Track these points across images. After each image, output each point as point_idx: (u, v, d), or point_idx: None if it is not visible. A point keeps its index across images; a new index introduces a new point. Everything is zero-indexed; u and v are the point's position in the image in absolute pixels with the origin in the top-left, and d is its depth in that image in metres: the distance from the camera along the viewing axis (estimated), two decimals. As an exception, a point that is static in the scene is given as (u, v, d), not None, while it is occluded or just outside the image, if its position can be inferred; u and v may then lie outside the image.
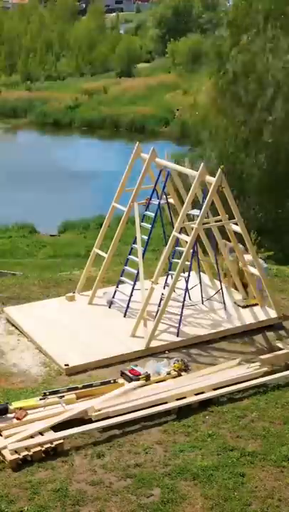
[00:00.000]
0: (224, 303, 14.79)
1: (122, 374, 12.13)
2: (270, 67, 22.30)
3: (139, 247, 14.61)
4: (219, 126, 22.87)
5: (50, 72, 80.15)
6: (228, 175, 21.57)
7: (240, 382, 12.01)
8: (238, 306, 14.85)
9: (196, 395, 11.57)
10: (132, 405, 11.14)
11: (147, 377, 11.95)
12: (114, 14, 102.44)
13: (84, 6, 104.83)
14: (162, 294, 14.02)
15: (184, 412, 11.26)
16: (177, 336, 13.60)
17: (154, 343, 13.32)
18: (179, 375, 12.24)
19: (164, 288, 14.14)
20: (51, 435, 10.37)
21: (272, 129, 22.23)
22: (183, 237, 14.18)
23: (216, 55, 22.95)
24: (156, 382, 11.94)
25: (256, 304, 14.86)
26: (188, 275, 14.60)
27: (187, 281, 14.36)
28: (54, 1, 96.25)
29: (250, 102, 22.53)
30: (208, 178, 13.93)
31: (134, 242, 14.88)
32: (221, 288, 14.94)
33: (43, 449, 10.07)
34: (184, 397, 11.47)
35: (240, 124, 22.79)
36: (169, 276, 14.27)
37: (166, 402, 11.33)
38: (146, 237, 14.72)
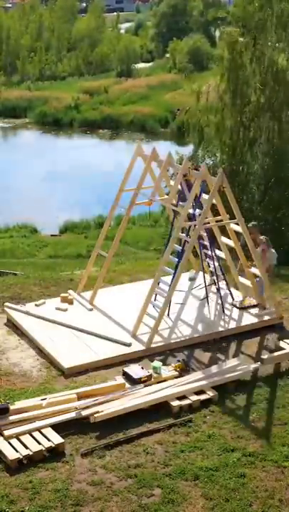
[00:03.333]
0: (222, 303, 14.78)
1: (124, 374, 12.12)
2: (281, 67, 22.24)
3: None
4: (227, 126, 22.79)
5: (50, 72, 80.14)
6: (232, 174, 21.65)
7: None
8: (235, 307, 14.84)
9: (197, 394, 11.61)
10: (133, 405, 11.15)
11: (149, 378, 11.96)
12: (114, 14, 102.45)
13: (84, 5, 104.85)
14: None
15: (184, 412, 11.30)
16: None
17: (154, 343, 13.32)
18: (180, 375, 12.24)
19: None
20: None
21: (279, 129, 22.21)
22: (184, 236, 14.17)
23: (230, 53, 22.77)
24: (158, 383, 11.94)
25: (254, 306, 14.84)
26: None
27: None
28: (54, 0, 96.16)
29: (259, 102, 22.47)
30: (210, 177, 13.93)
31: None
32: (219, 288, 14.91)
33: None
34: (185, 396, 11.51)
35: (249, 123, 22.73)
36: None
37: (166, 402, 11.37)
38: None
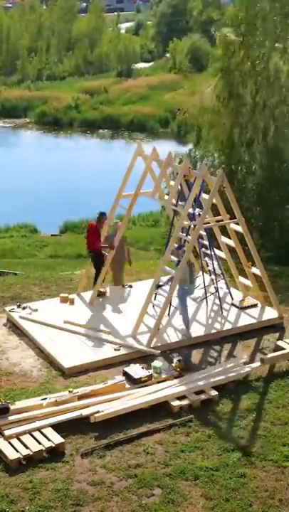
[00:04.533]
0: (220, 303, 14.78)
1: (124, 374, 12.12)
2: (277, 68, 22.25)
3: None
4: (224, 126, 22.83)
5: (50, 72, 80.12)
6: (231, 173, 21.66)
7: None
8: (236, 307, 14.84)
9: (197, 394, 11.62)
10: (132, 405, 11.15)
11: (149, 378, 11.96)
12: (114, 14, 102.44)
13: (84, 5, 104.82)
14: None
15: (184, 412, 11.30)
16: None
17: (154, 343, 13.31)
18: (180, 375, 12.24)
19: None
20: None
21: (275, 130, 22.22)
22: (184, 236, 14.17)
23: (224, 53, 22.85)
24: (158, 383, 11.94)
25: (255, 305, 14.85)
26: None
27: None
28: (54, 0, 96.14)
29: (256, 103, 22.50)
30: (210, 177, 13.93)
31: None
32: (217, 288, 14.91)
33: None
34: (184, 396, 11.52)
35: (245, 123, 22.76)
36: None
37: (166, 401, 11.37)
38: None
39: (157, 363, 12.40)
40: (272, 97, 22.43)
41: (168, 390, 11.65)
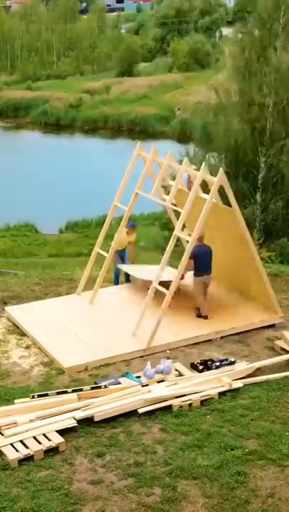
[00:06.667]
0: None
1: (125, 374, 12.13)
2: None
3: None
4: (231, 125, 22.87)
5: (52, 72, 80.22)
6: (235, 174, 21.74)
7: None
8: None
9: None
10: (132, 405, 11.17)
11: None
12: (115, 14, 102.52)
13: (85, 5, 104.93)
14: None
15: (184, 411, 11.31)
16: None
17: (154, 343, 13.33)
18: (180, 374, 12.26)
19: None
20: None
21: (284, 130, 22.29)
22: (184, 236, 14.19)
23: (237, 54, 22.90)
24: (158, 382, 11.95)
25: None
26: None
27: None
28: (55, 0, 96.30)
29: (265, 103, 22.54)
30: (210, 177, 13.94)
31: None
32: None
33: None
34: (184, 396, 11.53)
35: (253, 123, 22.78)
36: None
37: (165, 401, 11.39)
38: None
39: (157, 364, 12.41)
40: (283, 99, 22.47)
41: (168, 389, 11.66)
